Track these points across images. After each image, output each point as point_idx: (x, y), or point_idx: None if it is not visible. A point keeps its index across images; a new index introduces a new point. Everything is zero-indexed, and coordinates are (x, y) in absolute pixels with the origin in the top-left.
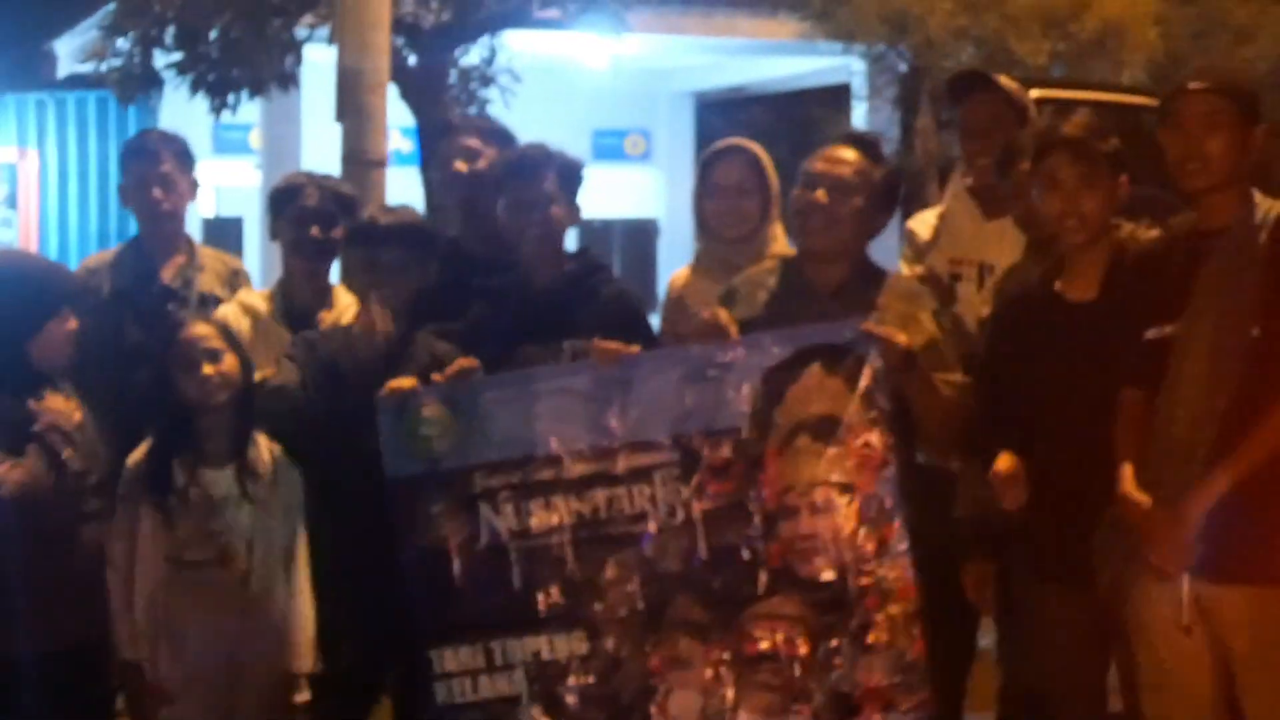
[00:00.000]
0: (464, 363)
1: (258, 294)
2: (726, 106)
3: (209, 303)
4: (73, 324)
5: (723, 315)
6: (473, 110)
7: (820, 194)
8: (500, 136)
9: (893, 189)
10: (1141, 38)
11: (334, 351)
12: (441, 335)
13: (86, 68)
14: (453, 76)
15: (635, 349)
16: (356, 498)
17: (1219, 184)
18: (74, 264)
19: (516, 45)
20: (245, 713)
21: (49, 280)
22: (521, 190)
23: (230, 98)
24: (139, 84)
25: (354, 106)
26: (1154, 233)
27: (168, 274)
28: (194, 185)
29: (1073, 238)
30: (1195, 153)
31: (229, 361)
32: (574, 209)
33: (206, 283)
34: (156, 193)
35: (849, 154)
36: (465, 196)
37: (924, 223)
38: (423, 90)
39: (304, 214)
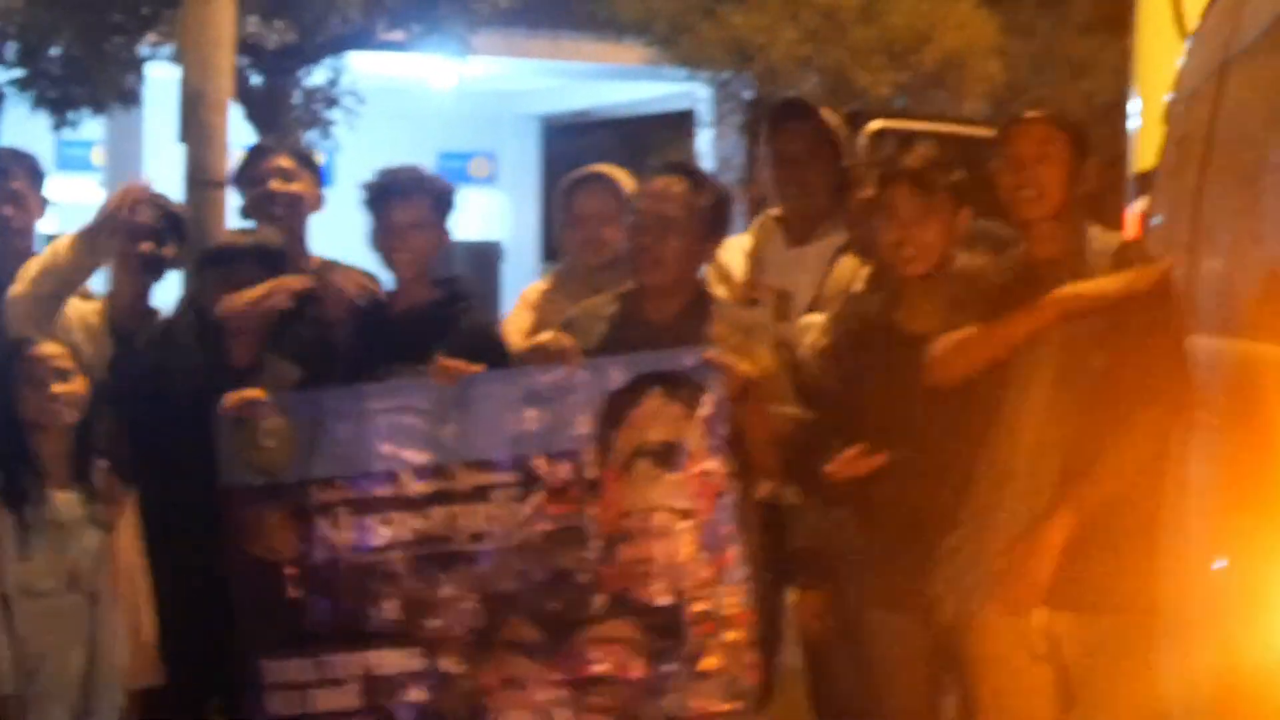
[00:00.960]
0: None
1: (91, 305)
2: (572, 130)
3: None
4: None
5: (565, 340)
6: (315, 131)
7: (644, 236)
8: (311, 162)
9: (720, 213)
10: (982, 70)
11: (162, 356)
12: (294, 354)
13: None
14: (297, 97)
15: (477, 368)
16: (185, 507)
17: (1051, 213)
18: None
19: (362, 66)
20: None
21: None
22: (397, 212)
23: (71, 114)
24: None
25: (196, 126)
26: (983, 263)
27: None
28: (44, 202)
29: (910, 269)
30: (1029, 181)
31: (78, 383)
32: (444, 233)
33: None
34: (7, 210)
35: (673, 186)
36: (267, 217)
37: (733, 249)
38: (266, 111)
39: (136, 230)
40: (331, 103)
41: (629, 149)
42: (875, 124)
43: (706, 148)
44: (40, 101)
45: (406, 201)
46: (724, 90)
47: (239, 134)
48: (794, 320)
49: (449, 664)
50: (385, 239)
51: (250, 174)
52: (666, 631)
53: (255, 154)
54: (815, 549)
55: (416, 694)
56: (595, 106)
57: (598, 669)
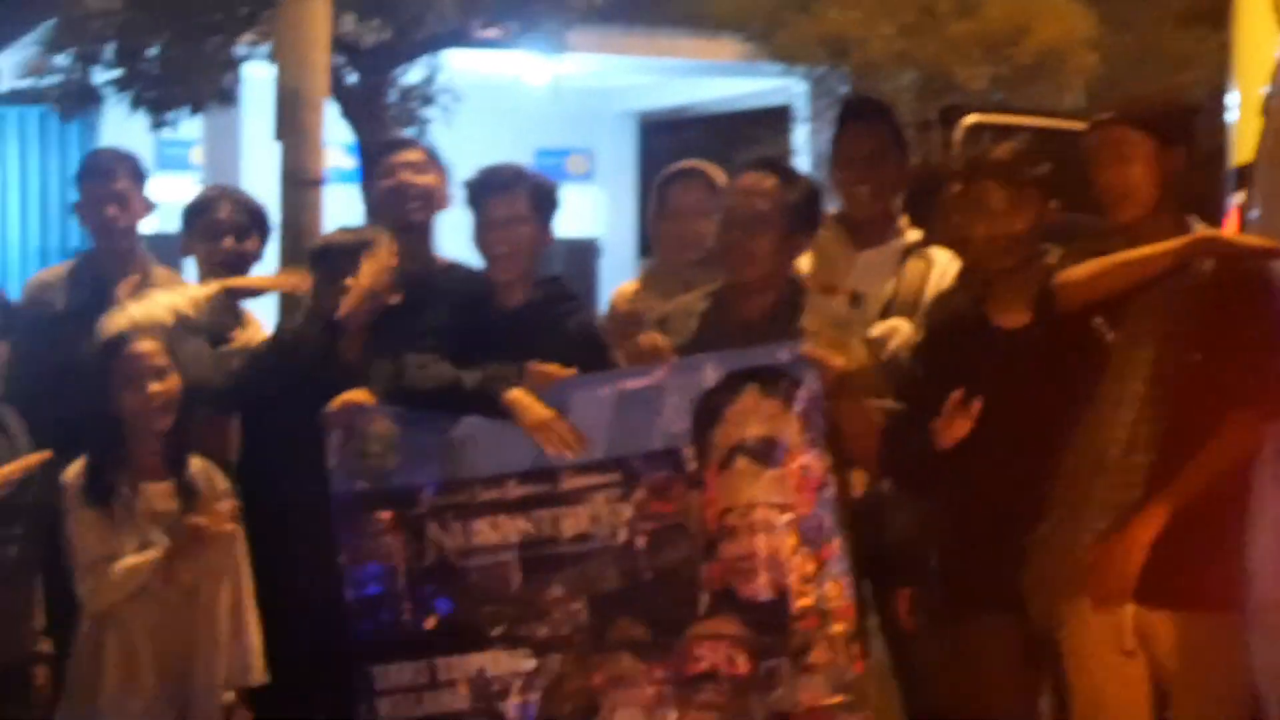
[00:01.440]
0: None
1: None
2: (669, 127)
3: None
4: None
5: (659, 339)
6: (413, 130)
7: (735, 232)
8: (439, 158)
9: (811, 207)
10: (1080, 63)
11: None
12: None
13: (26, 83)
14: (393, 95)
15: (569, 372)
16: (297, 510)
17: (1143, 213)
18: (15, 280)
19: (459, 64)
20: None
21: None
22: (500, 207)
23: (170, 115)
24: (78, 100)
25: (292, 125)
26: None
27: (123, 292)
28: (147, 203)
29: (1001, 262)
30: (1114, 185)
31: (173, 380)
32: (546, 231)
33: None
34: (111, 210)
35: (762, 183)
36: (400, 210)
37: None
38: (362, 109)
39: (218, 227)
40: (428, 101)
41: (726, 145)
42: (970, 118)
43: (803, 144)
44: (138, 102)
45: (506, 197)
46: (820, 86)
47: (335, 133)
48: (869, 323)
49: (558, 664)
50: (486, 235)
51: (379, 168)
52: (771, 627)
53: (384, 148)
54: (909, 545)
55: (526, 695)
56: (692, 103)
57: (704, 666)
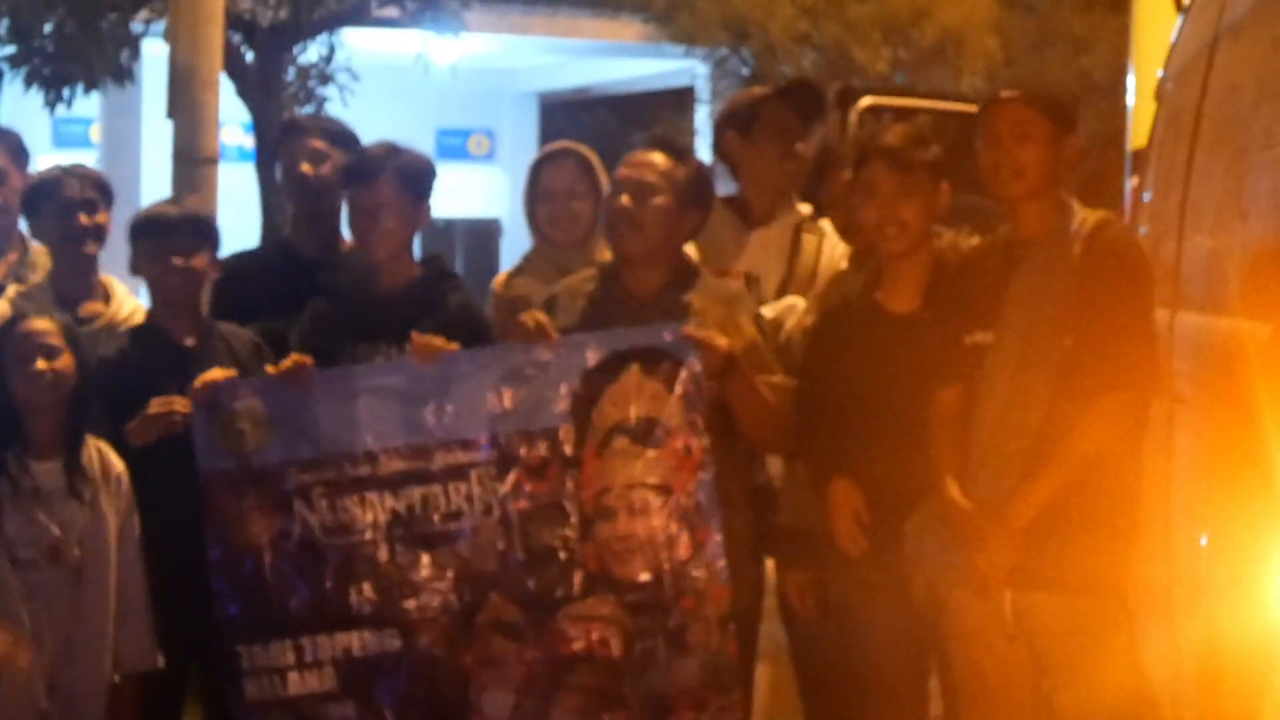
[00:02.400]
0: (298, 357)
1: (21, 288)
2: (571, 107)
3: None
4: None
5: (542, 318)
6: (310, 108)
7: (624, 199)
8: (346, 139)
9: (701, 188)
10: (980, 46)
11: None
12: (272, 332)
13: None
14: (291, 74)
15: (454, 346)
16: (163, 490)
17: (1031, 193)
18: None
19: (360, 43)
20: (85, 714)
21: None
22: (363, 194)
23: (65, 92)
24: None
25: (186, 103)
26: (974, 241)
27: (1, 267)
28: (26, 180)
29: (891, 246)
30: (1007, 162)
31: (64, 360)
32: (420, 211)
33: (39, 280)
34: None
35: (653, 157)
36: (305, 198)
37: None
38: (259, 87)
39: (68, 204)
40: (326, 80)
41: (627, 126)
42: (866, 100)
43: (704, 125)
44: (34, 78)
45: (373, 183)
46: (721, 67)
47: (232, 111)
48: (764, 302)
49: (428, 644)
50: (355, 220)
51: (283, 152)
52: (647, 608)
53: (289, 131)
54: (800, 527)
55: (395, 675)
56: (594, 83)
57: (578, 647)
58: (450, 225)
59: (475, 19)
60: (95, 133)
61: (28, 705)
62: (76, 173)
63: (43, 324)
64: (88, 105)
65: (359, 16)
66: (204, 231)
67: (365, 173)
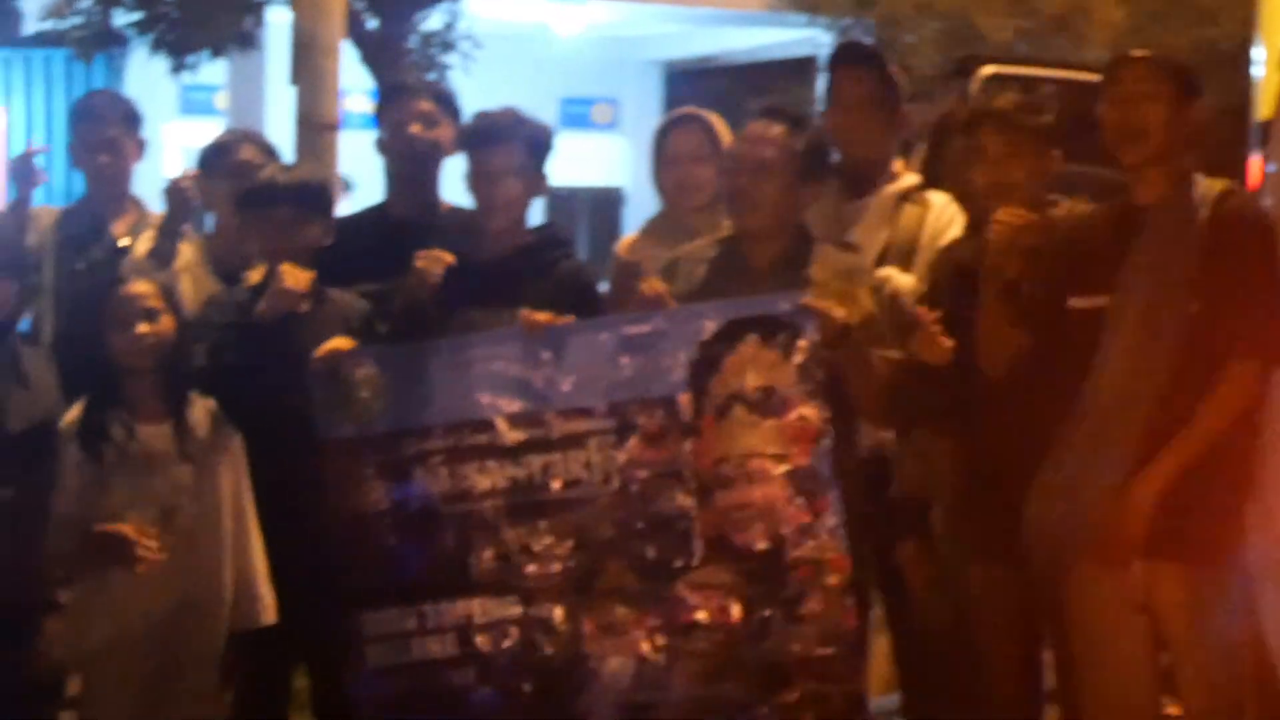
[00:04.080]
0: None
1: (191, 244)
2: (695, 76)
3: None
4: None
5: (659, 285)
6: (433, 75)
7: (741, 176)
8: (451, 104)
9: (818, 156)
10: (1105, 16)
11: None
12: (380, 297)
13: (50, 25)
14: (413, 41)
15: (565, 319)
16: (281, 458)
17: (1154, 157)
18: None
19: (485, 11)
20: (196, 672)
21: None
22: (488, 158)
23: (190, 59)
24: (98, 42)
25: (308, 69)
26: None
27: (119, 229)
28: (141, 145)
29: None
30: (1131, 123)
31: (165, 322)
32: (539, 179)
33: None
34: (103, 157)
35: (769, 130)
36: (410, 161)
37: None
38: (382, 54)
39: (244, 168)
40: (448, 47)
41: (750, 95)
42: (987, 69)
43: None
44: (158, 45)
45: (499, 148)
46: (844, 36)
47: (355, 78)
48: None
49: (547, 611)
50: (478, 185)
51: (386, 115)
52: (764, 576)
53: (391, 94)
54: (913, 497)
55: (514, 641)
56: (718, 52)
57: (696, 615)
58: (573, 194)
59: None
60: (221, 100)
61: (135, 665)
62: (253, 139)
63: (142, 286)
64: (214, 73)
65: None
66: (311, 198)
67: (492, 136)
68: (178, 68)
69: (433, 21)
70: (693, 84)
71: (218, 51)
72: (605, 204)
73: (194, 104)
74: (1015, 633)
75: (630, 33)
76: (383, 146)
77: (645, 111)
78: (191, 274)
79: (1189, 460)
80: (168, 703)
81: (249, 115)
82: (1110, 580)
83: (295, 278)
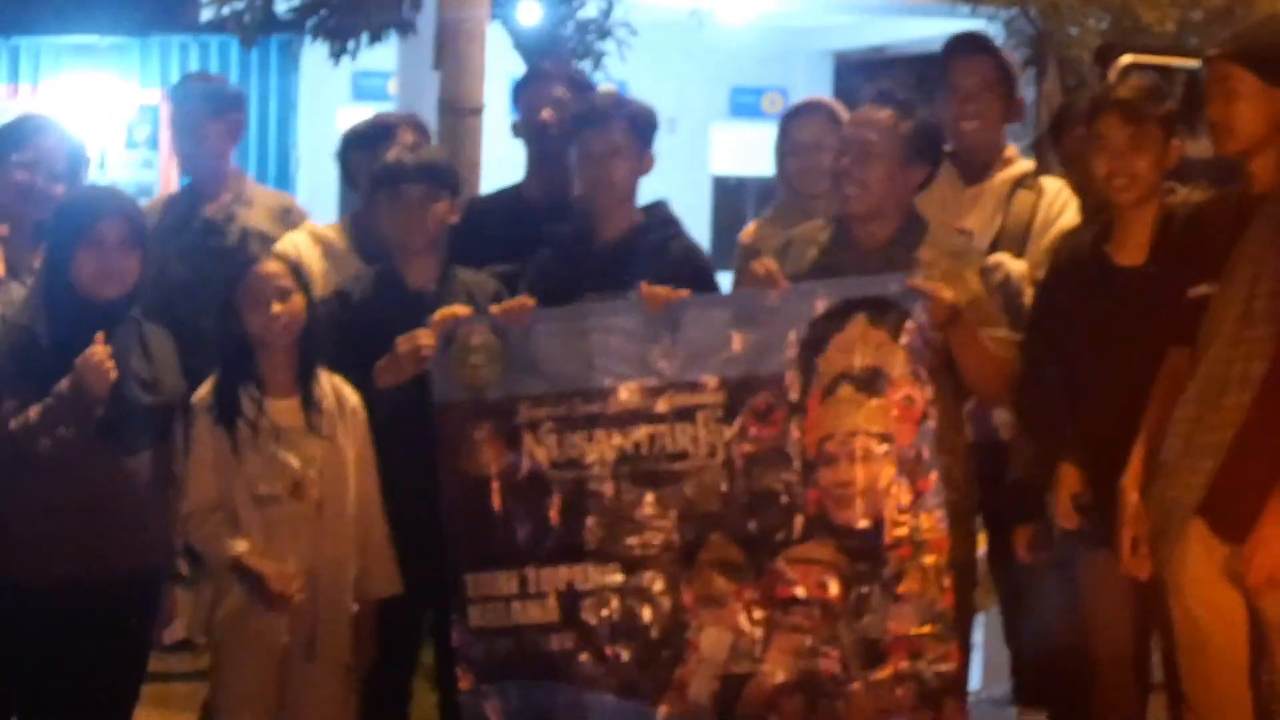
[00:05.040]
0: (522, 299)
1: (326, 227)
2: (865, 66)
3: (250, 237)
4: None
5: (771, 265)
6: (587, 63)
7: (846, 159)
8: (587, 89)
9: (928, 140)
10: (1268, 7)
11: (369, 289)
12: (503, 279)
13: (215, 12)
14: (570, 28)
15: (684, 293)
16: (402, 424)
17: (1250, 149)
18: None
19: (655, 1)
20: (329, 641)
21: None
22: (591, 140)
23: (351, 44)
24: (262, 28)
25: (452, 55)
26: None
27: (211, 209)
28: (236, 126)
29: (1121, 198)
30: (1218, 119)
31: (297, 301)
32: (645, 159)
33: (254, 218)
34: (190, 141)
35: (876, 115)
36: (544, 145)
37: None
38: (536, 42)
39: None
40: (604, 34)
41: (921, 86)
42: (1126, 58)
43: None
44: (320, 31)
45: (602, 129)
46: (1010, 27)
47: (510, 64)
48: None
49: (649, 581)
50: (584, 167)
51: (526, 98)
52: (864, 554)
53: (532, 78)
54: (1030, 482)
55: (616, 609)
56: (889, 43)
57: (796, 590)
58: (742, 183)
59: None
60: (393, 85)
61: (270, 638)
62: (411, 121)
63: (274, 266)
64: (386, 59)
65: None
66: (440, 178)
67: (596, 118)
68: (337, 53)
69: (589, 9)
70: (864, 73)
71: (376, 37)
72: (774, 193)
73: (366, 90)
74: (1126, 615)
75: (802, 23)
76: (517, 130)
77: None
78: (336, 254)
79: None
80: (299, 674)
81: (418, 100)
82: (1204, 557)
83: (410, 339)
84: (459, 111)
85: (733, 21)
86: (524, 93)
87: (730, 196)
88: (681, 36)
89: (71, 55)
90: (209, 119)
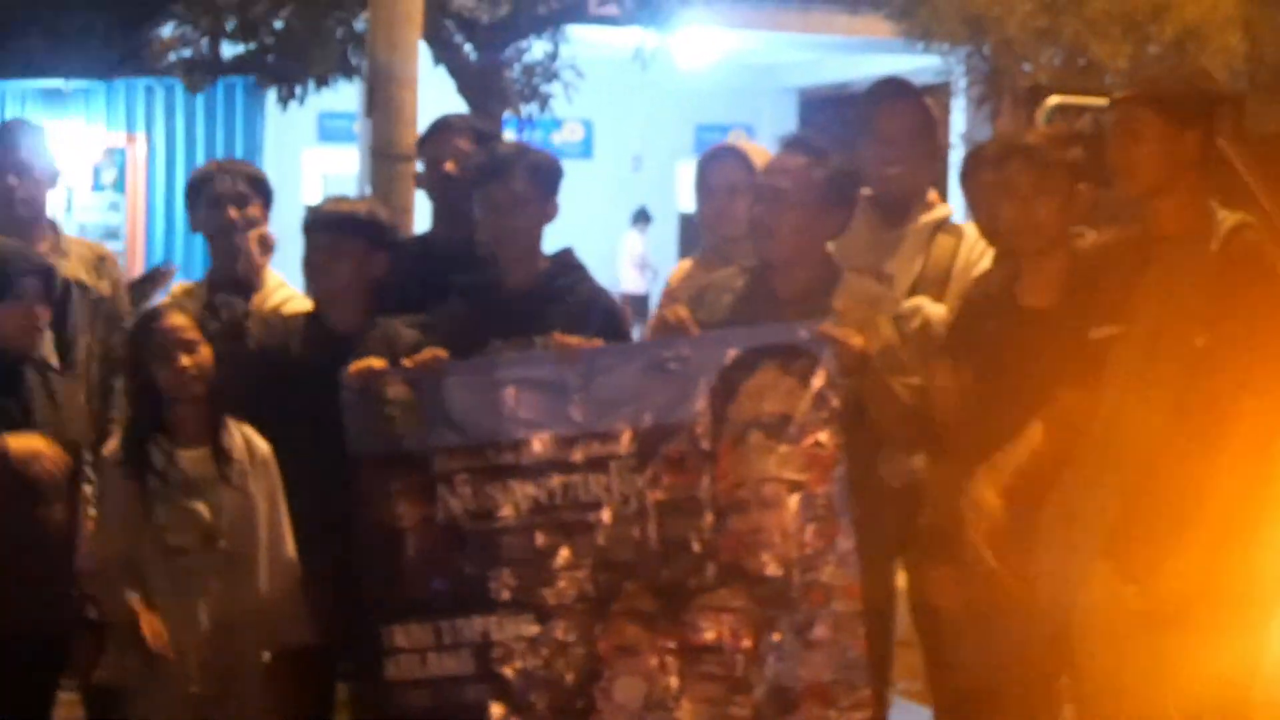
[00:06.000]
0: (434, 351)
1: (185, 285)
2: (829, 102)
3: (73, 287)
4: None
5: (683, 312)
6: (532, 106)
7: (760, 207)
8: (491, 139)
9: (842, 186)
10: (1222, 42)
11: (287, 334)
12: (412, 328)
13: (170, 58)
14: (516, 71)
15: (596, 343)
16: (315, 476)
17: (1150, 191)
18: (180, 246)
19: (613, 39)
20: (238, 693)
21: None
22: (493, 191)
23: (299, 89)
24: (207, 72)
25: (384, 101)
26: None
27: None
28: (52, 174)
29: (1026, 244)
30: (1119, 161)
31: (204, 352)
32: (549, 207)
33: (71, 269)
34: (11, 180)
35: (789, 161)
36: (448, 196)
37: None
38: (480, 84)
39: (218, 198)
40: (551, 77)
41: None
42: (1053, 100)
43: (960, 121)
44: (263, 76)
45: (505, 179)
46: (966, 64)
47: (454, 107)
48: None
49: (563, 631)
50: (487, 216)
51: (429, 150)
52: (776, 601)
53: (437, 129)
54: (944, 524)
55: (531, 660)
56: (852, 79)
57: (709, 637)
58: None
59: (735, 15)
60: (358, 126)
61: (179, 688)
62: (229, 168)
63: (179, 319)
64: (352, 99)
65: (579, 14)
66: (352, 229)
67: (497, 168)
68: (285, 98)
69: (535, 51)
70: (828, 110)
71: (323, 82)
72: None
73: (332, 131)
74: (1035, 661)
75: (765, 60)
76: (419, 181)
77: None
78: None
79: (1225, 516)
80: None
81: (393, 143)
82: (1114, 605)
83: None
84: (390, 158)
85: (697, 60)
86: (426, 145)
87: (698, 233)
88: (646, 75)
89: (37, 100)
90: (33, 162)
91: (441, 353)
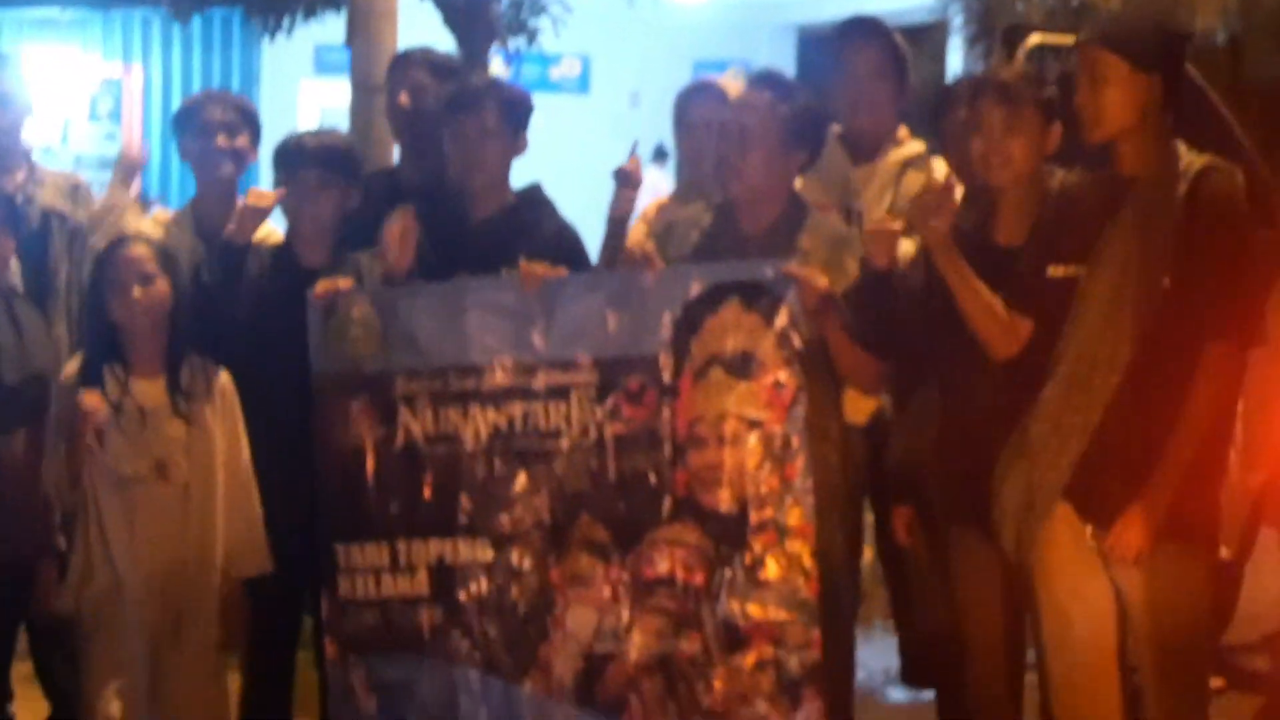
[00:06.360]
0: (405, 213)
1: (170, 213)
2: (828, 40)
3: (51, 218)
4: None
5: (649, 246)
6: (521, 38)
7: (725, 145)
8: (450, 73)
9: (808, 123)
10: None
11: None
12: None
13: None
14: (505, 4)
15: (561, 271)
16: (279, 399)
17: (1115, 134)
18: (175, 178)
19: None
20: (196, 620)
21: None
22: (463, 123)
23: (286, 21)
24: (192, 4)
25: (364, 31)
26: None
27: (9, 187)
28: (26, 104)
29: (996, 179)
30: (1085, 106)
31: (160, 285)
32: (517, 142)
33: (47, 197)
34: None
35: (754, 98)
36: (409, 128)
37: None
38: (466, 17)
39: (207, 126)
40: (539, 10)
41: None
42: (1034, 39)
43: (958, 59)
44: (251, 7)
45: (475, 112)
46: (963, 2)
47: (440, 40)
48: None
49: (518, 558)
50: (456, 149)
51: (390, 83)
52: (729, 538)
53: (396, 64)
54: (908, 464)
55: (484, 585)
56: (851, 15)
57: (661, 570)
58: None
59: None
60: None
61: (134, 617)
62: (219, 97)
63: (139, 249)
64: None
65: None
66: (335, 164)
67: (468, 102)
68: (272, 29)
69: None
70: (826, 47)
71: (311, 12)
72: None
73: (328, 63)
74: (993, 600)
75: None
76: (387, 115)
77: None
78: (175, 240)
79: (1188, 459)
80: (169, 653)
81: (374, 74)
82: (1077, 545)
83: (261, 197)
84: (371, 90)
85: None
86: (390, 79)
87: None
88: (643, 11)
89: (33, 28)
90: (9, 92)
91: (410, 213)
